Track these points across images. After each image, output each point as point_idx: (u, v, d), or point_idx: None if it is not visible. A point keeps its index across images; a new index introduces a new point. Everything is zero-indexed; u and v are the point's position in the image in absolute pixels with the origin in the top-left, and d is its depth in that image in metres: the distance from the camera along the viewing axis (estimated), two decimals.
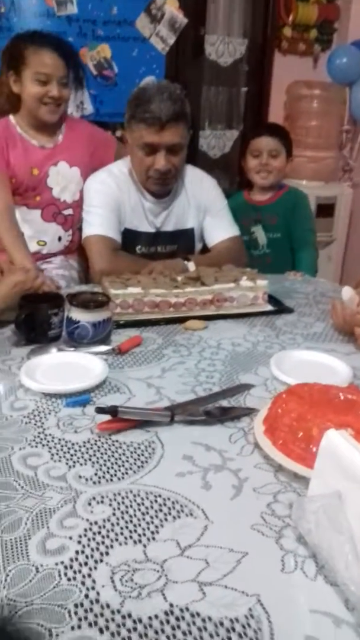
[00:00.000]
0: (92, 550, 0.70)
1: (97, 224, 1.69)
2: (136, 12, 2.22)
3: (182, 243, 1.82)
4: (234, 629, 0.60)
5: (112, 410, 0.94)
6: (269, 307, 1.54)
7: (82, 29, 2.14)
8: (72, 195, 1.87)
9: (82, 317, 1.24)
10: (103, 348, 1.24)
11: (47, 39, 1.74)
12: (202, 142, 2.77)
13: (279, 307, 1.55)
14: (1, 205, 1.72)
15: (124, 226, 1.74)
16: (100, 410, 0.94)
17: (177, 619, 0.61)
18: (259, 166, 2.06)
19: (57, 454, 0.88)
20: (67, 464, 0.86)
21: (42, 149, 1.82)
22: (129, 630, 0.60)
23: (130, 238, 1.75)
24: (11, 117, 1.82)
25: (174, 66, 2.39)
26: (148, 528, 0.74)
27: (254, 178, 2.10)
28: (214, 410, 1.01)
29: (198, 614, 0.62)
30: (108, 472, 0.85)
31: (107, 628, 0.60)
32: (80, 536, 0.72)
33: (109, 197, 1.69)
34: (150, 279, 1.48)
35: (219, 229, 1.86)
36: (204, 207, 1.83)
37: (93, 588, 0.64)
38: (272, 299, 1.56)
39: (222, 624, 0.61)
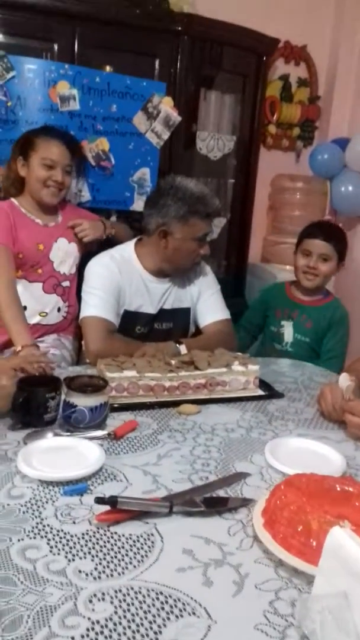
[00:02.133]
0: None
1: (95, 306, 1.72)
2: (134, 109, 2.36)
3: (178, 321, 1.88)
4: None
5: (112, 501, 0.93)
6: (260, 392, 1.57)
7: (83, 124, 2.27)
8: (69, 268, 2.02)
9: (80, 401, 1.26)
10: (99, 433, 1.24)
11: (57, 132, 1.96)
12: None
13: (269, 392, 1.58)
14: (5, 280, 1.79)
15: (123, 308, 1.78)
16: (100, 501, 0.94)
17: None
18: (307, 267, 2.02)
19: (56, 546, 0.87)
20: (66, 557, 0.85)
21: (45, 227, 1.98)
22: None
23: (130, 319, 1.80)
24: (13, 200, 1.96)
25: (167, 159, 2.53)
26: (151, 628, 0.73)
27: (299, 277, 2.07)
28: (211, 500, 1.01)
29: None
30: (108, 566, 0.84)
31: None
32: (82, 636, 0.70)
33: (109, 281, 1.74)
34: (145, 363, 1.50)
35: (211, 311, 1.90)
36: (197, 289, 1.90)
37: None
38: (262, 384, 1.60)
39: None
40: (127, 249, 1.84)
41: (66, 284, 2.02)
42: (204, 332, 1.90)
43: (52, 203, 1.96)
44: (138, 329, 1.81)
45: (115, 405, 1.40)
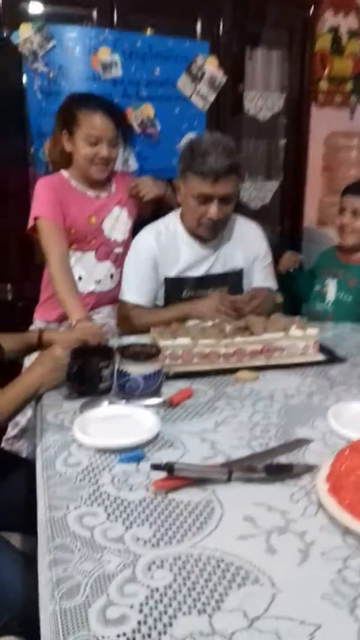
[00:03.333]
0: (155, 620, 0.66)
1: (130, 290, 1.80)
2: (178, 72, 2.29)
3: (231, 285, 1.84)
4: None
5: (169, 467, 0.91)
6: (320, 357, 1.50)
7: (127, 90, 2.22)
8: (121, 234, 1.96)
9: (133, 369, 1.23)
10: (154, 401, 1.22)
11: (98, 102, 1.83)
12: (243, 193, 2.81)
13: (330, 356, 1.51)
14: (57, 254, 1.77)
15: (163, 276, 1.77)
16: (156, 467, 0.91)
17: None
18: (340, 225, 1.99)
19: (113, 513, 0.86)
20: (123, 524, 0.83)
21: (97, 199, 1.92)
22: None
23: (174, 285, 1.78)
24: (64, 172, 1.90)
25: (214, 122, 2.45)
26: (212, 596, 0.69)
27: (339, 236, 2.03)
28: (272, 467, 0.97)
29: None
30: (166, 533, 0.81)
31: None
32: (141, 605, 0.68)
33: (144, 258, 1.77)
34: (198, 330, 1.47)
35: (264, 280, 1.91)
36: (254, 255, 1.87)
37: None
38: (322, 348, 1.53)
39: None
40: (171, 217, 1.84)
41: (118, 250, 1.96)
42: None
43: (101, 178, 1.89)
44: (185, 293, 1.79)
45: (170, 374, 1.37)
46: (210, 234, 1.76)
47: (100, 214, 1.92)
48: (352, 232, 1.96)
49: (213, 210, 1.67)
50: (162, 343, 1.39)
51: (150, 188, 1.96)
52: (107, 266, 1.96)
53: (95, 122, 1.79)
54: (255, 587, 0.71)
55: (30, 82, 2.14)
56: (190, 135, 2.35)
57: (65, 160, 1.91)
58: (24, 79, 2.14)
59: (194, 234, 1.77)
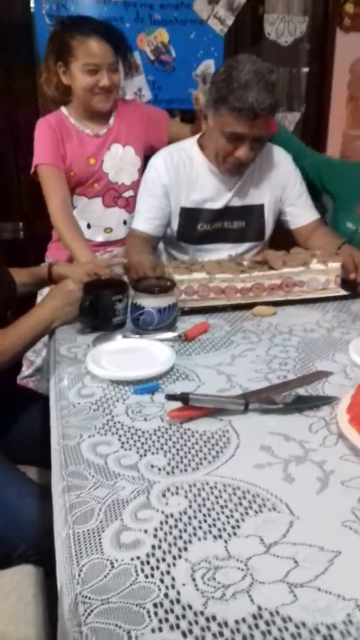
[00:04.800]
0: (170, 545, 0.65)
1: (137, 219, 1.71)
2: None
3: (251, 219, 1.72)
4: (332, 637, 0.54)
5: (183, 398, 0.88)
6: (342, 292, 1.45)
7: (139, 14, 2.10)
8: (130, 176, 1.83)
9: (147, 302, 1.20)
10: (169, 335, 1.19)
11: (92, 26, 1.65)
12: None
13: (352, 291, 1.45)
14: (57, 201, 1.70)
15: (179, 206, 1.68)
16: (171, 398, 0.89)
17: (267, 623, 0.55)
18: None
19: (127, 442, 0.84)
20: (138, 452, 0.82)
21: (96, 137, 1.79)
22: (214, 635, 0.54)
23: (190, 216, 1.68)
24: (63, 109, 1.77)
25: (232, 47, 2.31)
26: (228, 522, 0.68)
27: None
28: (290, 398, 0.94)
29: (290, 619, 0.56)
30: (181, 461, 0.79)
31: (191, 632, 0.54)
32: (156, 529, 0.67)
33: (153, 185, 1.67)
34: (215, 264, 1.42)
35: (307, 210, 1.75)
36: (281, 187, 1.72)
37: (173, 587, 0.59)
38: (345, 283, 1.47)
39: (318, 630, 0.55)
40: (187, 141, 1.70)
41: (128, 193, 1.85)
42: (301, 235, 1.75)
43: (105, 109, 1.75)
44: (200, 226, 1.69)
45: (186, 309, 1.34)
46: (233, 173, 1.63)
47: (99, 154, 1.79)
48: None
49: (243, 151, 1.51)
50: (178, 277, 1.35)
51: None
52: (117, 212, 1.85)
53: (91, 49, 1.62)
54: (273, 514, 0.69)
55: (38, 7, 2.03)
56: (207, 63, 2.23)
57: (63, 93, 1.76)
58: (32, 3, 2.03)
59: (217, 167, 1.64)
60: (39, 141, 1.75)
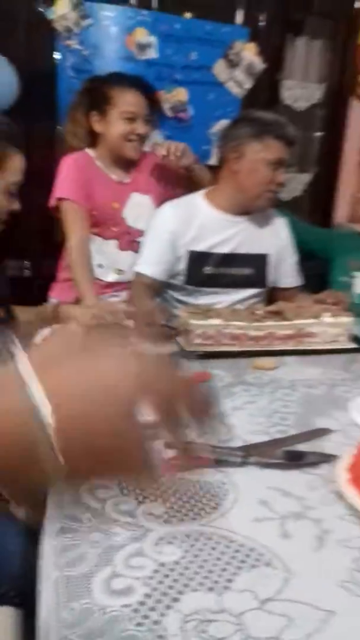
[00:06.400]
0: (162, 594, 0.64)
1: (142, 262, 1.78)
2: (214, 57, 2.26)
3: (256, 268, 1.82)
4: None
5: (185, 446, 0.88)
6: (352, 345, 1.48)
7: (161, 73, 2.20)
8: (145, 224, 1.89)
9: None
10: None
11: (131, 80, 1.80)
12: None
13: None
14: (77, 239, 1.75)
15: (186, 249, 1.75)
16: (170, 445, 0.89)
17: None
18: None
19: (126, 487, 0.84)
20: (136, 498, 0.81)
21: (120, 183, 1.87)
22: None
23: (197, 259, 1.76)
24: (89, 151, 1.85)
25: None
26: (222, 575, 0.67)
27: None
28: (291, 453, 0.94)
29: None
30: (179, 511, 0.79)
31: None
32: (148, 578, 0.66)
33: (161, 230, 1.75)
34: (229, 311, 1.47)
35: (294, 274, 1.90)
36: (279, 243, 1.86)
37: (163, 637, 0.58)
38: (354, 339, 1.51)
39: None
40: (195, 195, 1.81)
41: (142, 239, 1.92)
42: (281, 295, 1.88)
43: (135, 157, 1.85)
44: (206, 270, 1.77)
45: (200, 353, 1.37)
46: (271, 203, 1.77)
47: (123, 200, 1.88)
48: None
49: (283, 176, 1.70)
50: (194, 323, 1.38)
51: (185, 151, 1.87)
52: (130, 256, 1.91)
53: (130, 99, 1.76)
54: (268, 570, 0.68)
55: (62, 60, 2.14)
56: (223, 122, 2.32)
57: (89, 141, 1.86)
58: (57, 56, 2.13)
59: (227, 208, 1.75)
60: (65, 176, 1.81)
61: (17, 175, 1.21)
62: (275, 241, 1.84)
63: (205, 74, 2.27)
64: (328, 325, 1.46)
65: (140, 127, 1.78)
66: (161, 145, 1.88)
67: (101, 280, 1.86)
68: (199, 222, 1.75)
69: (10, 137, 1.19)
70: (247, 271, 1.81)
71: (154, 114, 1.88)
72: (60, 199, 1.79)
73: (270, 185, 1.70)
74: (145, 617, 0.61)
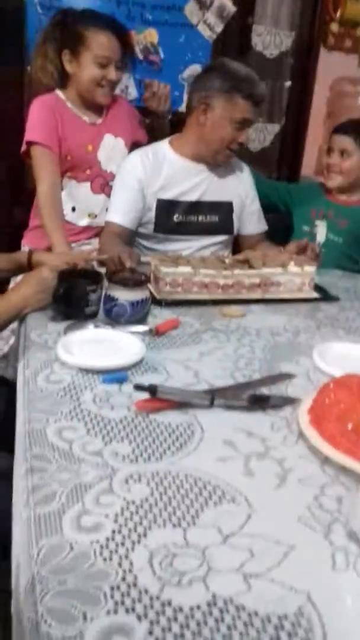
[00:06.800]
0: (130, 530, 0.66)
1: (113, 210, 1.77)
2: None
3: (222, 215, 1.83)
4: (282, 627, 0.56)
5: (152, 389, 0.89)
6: (315, 295, 1.51)
7: (131, 12, 2.10)
8: (117, 166, 1.85)
9: (121, 295, 1.21)
10: (140, 328, 1.20)
11: (107, 21, 1.70)
12: None
13: (324, 294, 1.52)
14: (47, 184, 1.70)
15: (155, 198, 1.75)
16: (139, 388, 0.90)
17: (221, 610, 0.57)
18: (327, 165, 1.93)
19: (93, 429, 0.85)
20: (103, 439, 0.82)
21: (92, 125, 1.81)
22: (168, 620, 0.55)
23: (166, 207, 1.76)
24: (60, 93, 1.77)
25: (219, 54, 2.33)
26: (188, 512, 0.69)
27: (324, 176, 1.98)
28: (255, 396, 0.96)
29: (243, 608, 0.57)
30: (145, 450, 0.80)
31: (146, 615, 0.55)
32: (116, 515, 0.68)
33: (129, 177, 1.74)
34: (198, 260, 1.47)
35: (257, 220, 1.92)
36: (244, 189, 1.87)
37: (130, 571, 0.60)
38: (317, 288, 1.54)
39: (269, 620, 0.56)
40: (161, 143, 1.81)
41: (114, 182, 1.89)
42: (245, 242, 1.91)
43: (106, 102, 1.79)
44: (176, 217, 1.77)
45: (169, 301, 1.37)
46: (227, 160, 1.78)
47: (96, 142, 1.82)
48: (339, 174, 1.92)
49: (246, 136, 1.70)
50: (164, 270, 1.38)
51: (168, 95, 1.85)
52: (102, 199, 1.87)
53: (105, 43, 1.66)
54: (231, 506, 0.71)
55: None
56: (194, 67, 2.25)
57: (56, 81, 1.77)
58: None
59: (190, 156, 1.76)
60: (35, 119, 1.73)
61: None
62: (239, 189, 1.85)
63: (176, 15, 2.18)
64: (293, 275, 1.48)
65: (111, 73, 1.69)
66: (151, 84, 1.84)
67: (74, 224, 1.82)
68: (166, 170, 1.75)
69: None
70: (213, 218, 1.82)
71: (126, 58, 1.78)
72: (30, 143, 1.72)
73: (232, 144, 1.70)
74: (114, 551, 0.62)
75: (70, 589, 0.57)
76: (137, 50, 2.14)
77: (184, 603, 0.57)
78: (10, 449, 0.87)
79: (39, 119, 1.73)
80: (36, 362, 1.05)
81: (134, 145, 1.87)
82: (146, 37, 2.17)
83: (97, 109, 1.82)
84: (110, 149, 1.85)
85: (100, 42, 1.66)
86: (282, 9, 2.65)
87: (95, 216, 1.87)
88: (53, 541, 0.63)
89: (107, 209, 1.86)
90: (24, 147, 1.74)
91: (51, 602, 0.56)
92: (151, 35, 2.17)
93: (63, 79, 1.77)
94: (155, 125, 1.94)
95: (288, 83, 2.75)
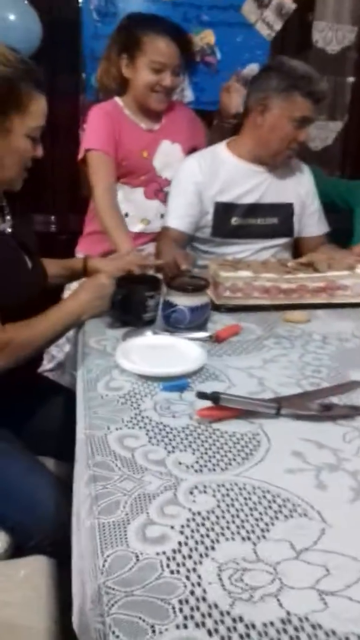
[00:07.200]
0: (197, 543, 0.63)
1: (169, 215, 1.75)
2: None
3: (282, 217, 1.79)
4: None
5: (215, 397, 0.86)
6: None
7: (187, 14, 2.09)
8: (173, 173, 1.83)
9: (180, 300, 1.18)
10: (200, 334, 1.17)
11: (165, 26, 1.69)
12: None
13: None
14: (102, 186, 1.70)
15: (213, 201, 1.72)
16: (202, 396, 0.87)
17: (296, 629, 0.53)
18: None
19: (155, 437, 0.82)
20: (165, 448, 0.80)
21: (149, 131, 1.81)
22: (240, 637, 0.52)
23: (224, 210, 1.73)
24: (118, 100, 1.79)
25: (278, 53, 2.28)
26: (257, 525, 0.66)
27: None
28: (325, 405, 0.91)
29: (320, 626, 0.53)
30: (210, 461, 0.77)
31: (217, 631, 0.52)
32: (182, 526, 0.65)
33: (186, 183, 1.73)
34: (260, 264, 1.43)
35: (319, 222, 1.87)
36: (305, 191, 1.83)
37: (199, 584, 0.57)
38: None
39: (348, 639, 0.52)
40: (217, 146, 1.78)
41: (168, 189, 1.86)
42: (306, 244, 1.86)
43: (160, 109, 1.78)
44: (234, 220, 1.74)
45: (229, 306, 1.34)
46: (289, 160, 1.74)
47: (152, 148, 1.82)
48: None
49: (306, 134, 1.67)
50: (223, 275, 1.35)
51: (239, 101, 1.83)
52: (156, 205, 1.86)
53: (161, 48, 1.65)
54: (304, 520, 0.67)
55: (86, 3, 2.05)
56: (252, 66, 2.21)
57: (118, 87, 1.79)
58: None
59: (249, 159, 1.73)
60: (93, 127, 1.75)
61: (40, 118, 1.16)
62: (299, 190, 1.81)
63: (233, 15, 2.15)
64: None
65: (167, 79, 1.68)
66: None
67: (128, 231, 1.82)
68: (224, 173, 1.72)
69: (35, 79, 1.14)
70: (273, 221, 1.77)
71: (186, 64, 1.77)
72: (88, 150, 1.74)
73: (292, 144, 1.67)
74: (181, 564, 0.60)
75: (137, 601, 0.55)
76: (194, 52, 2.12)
77: (257, 620, 0.54)
78: (66, 457, 0.86)
79: (97, 126, 1.75)
80: (96, 368, 1.04)
81: (192, 151, 1.85)
82: (202, 38, 2.15)
83: (154, 115, 1.81)
84: (167, 155, 1.84)
85: (156, 47, 1.66)
86: (344, 3, 2.56)
87: (149, 222, 1.86)
88: (119, 552, 0.61)
89: (161, 215, 1.85)
90: (81, 154, 1.75)
91: (119, 613, 0.54)
92: (208, 36, 2.15)
93: (122, 85, 1.78)
94: (221, 128, 1.91)
95: (351, 79, 2.66)
